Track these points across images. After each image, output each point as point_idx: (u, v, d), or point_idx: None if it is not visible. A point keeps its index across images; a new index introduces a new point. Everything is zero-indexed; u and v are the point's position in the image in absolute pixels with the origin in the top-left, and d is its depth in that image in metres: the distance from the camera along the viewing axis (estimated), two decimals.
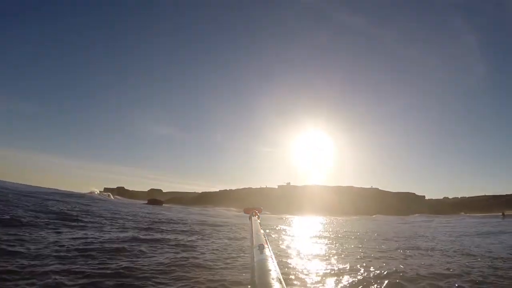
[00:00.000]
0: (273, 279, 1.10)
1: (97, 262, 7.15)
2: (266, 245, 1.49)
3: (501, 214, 63.05)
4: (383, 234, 20.76)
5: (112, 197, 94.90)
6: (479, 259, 9.87)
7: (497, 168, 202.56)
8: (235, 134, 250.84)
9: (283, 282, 1.10)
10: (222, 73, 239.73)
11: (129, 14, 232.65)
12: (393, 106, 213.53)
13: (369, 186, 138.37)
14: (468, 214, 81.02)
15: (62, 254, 7.62)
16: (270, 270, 1.18)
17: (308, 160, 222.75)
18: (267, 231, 18.76)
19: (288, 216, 65.00)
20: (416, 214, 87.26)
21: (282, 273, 1.27)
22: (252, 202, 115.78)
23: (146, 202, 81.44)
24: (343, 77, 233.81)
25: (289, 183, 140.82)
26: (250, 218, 2.35)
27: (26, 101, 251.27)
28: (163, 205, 75.66)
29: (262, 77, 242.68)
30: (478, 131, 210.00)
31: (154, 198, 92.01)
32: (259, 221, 2.15)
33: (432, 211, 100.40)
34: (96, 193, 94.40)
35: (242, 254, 9.34)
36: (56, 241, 9.21)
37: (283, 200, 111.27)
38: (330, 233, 20.63)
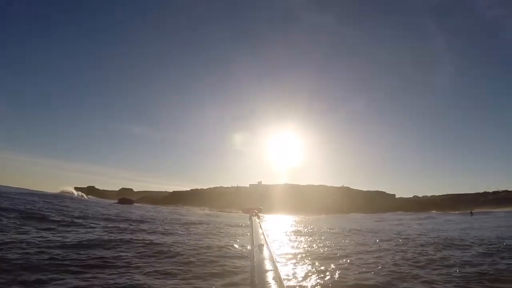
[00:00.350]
0: (273, 279, 1.09)
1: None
2: (266, 245, 1.49)
3: (469, 212, 65.08)
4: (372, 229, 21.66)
5: (86, 196, 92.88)
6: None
7: (464, 167, 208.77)
8: (205, 133, 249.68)
9: (283, 282, 1.08)
10: (193, 74, 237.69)
11: (101, 12, 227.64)
12: (362, 105, 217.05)
13: (340, 185, 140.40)
14: (438, 212, 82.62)
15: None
16: (270, 270, 1.17)
17: (279, 160, 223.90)
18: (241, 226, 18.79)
19: (261, 215, 64.99)
20: (389, 212, 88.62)
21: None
22: (224, 201, 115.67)
23: (117, 201, 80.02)
24: (313, 77, 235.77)
25: (261, 182, 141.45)
26: (250, 218, 2.35)
27: None
28: (134, 204, 74.37)
29: (232, 77, 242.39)
30: (447, 131, 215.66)
31: (125, 197, 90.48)
32: (259, 221, 2.10)
33: (403, 210, 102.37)
34: (70, 192, 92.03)
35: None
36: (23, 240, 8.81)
37: (255, 199, 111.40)
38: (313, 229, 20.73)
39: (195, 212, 53.52)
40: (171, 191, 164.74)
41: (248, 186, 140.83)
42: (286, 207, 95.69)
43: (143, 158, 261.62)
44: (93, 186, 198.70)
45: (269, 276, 1.12)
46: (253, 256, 1.37)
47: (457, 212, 78.13)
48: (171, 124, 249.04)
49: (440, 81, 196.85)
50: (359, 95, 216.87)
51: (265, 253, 1.39)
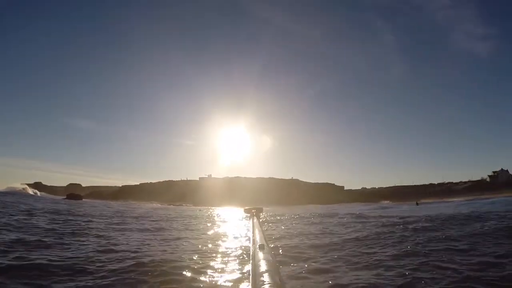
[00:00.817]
0: (273, 279, 1.10)
1: None
2: (266, 245, 1.51)
3: (415, 203, 67.77)
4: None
5: (38, 193, 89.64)
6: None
7: (410, 160, 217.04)
8: (155, 127, 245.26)
9: (283, 282, 1.10)
10: (140, 67, 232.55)
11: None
12: (311, 97, 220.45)
13: (289, 177, 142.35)
14: (390, 203, 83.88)
15: None
16: (270, 270, 1.16)
17: (229, 153, 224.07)
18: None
19: (212, 208, 64.94)
20: (338, 204, 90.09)
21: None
22: (174, 194, 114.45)
23: (65, 197, 77.70)
24: (262, 73, 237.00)
25: (211, 175, 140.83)
26: (250, 218, 2.12)
27: None
28: (83, 199, 72.24)
29: (181, 72, 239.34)
30: (394, 126, 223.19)
31: (73, 193, 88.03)
32: (259, 220, 1.96)
33: (352, 200, 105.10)
34: (21, 189, 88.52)
35: None
36: None
37: (205, 192, 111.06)
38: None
39: (141, 207, 52.45)
40: (121, 185, 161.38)
41: (198, 179, 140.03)
42: (236, 200, 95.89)
43: (91, 153, 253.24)
44: (40, 182, 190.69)
45: (270, 276, 1.13)
46: (254, 256, 1.40)
47: (407, 202, 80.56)
48: (119, 118, 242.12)
49: (390, 78, 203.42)
50: (309, 86, 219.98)
51: (266, 253, 1.42)
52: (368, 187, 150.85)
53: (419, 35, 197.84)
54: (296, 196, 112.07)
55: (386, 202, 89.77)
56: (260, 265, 1.23)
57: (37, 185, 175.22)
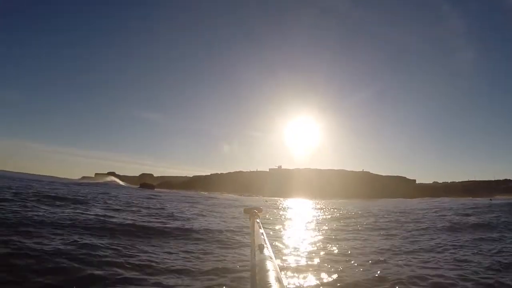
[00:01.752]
0: (273, 279, 1.10)
1: None
2: (266, 245, 1.49)
3: (489, 199, 63.75)
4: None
5: (122, 183, 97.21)
6: None
7: (486, 153, 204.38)
8: (225, 119, 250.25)
9: (283, 282, 1.10)
10: (211, 60, 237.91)
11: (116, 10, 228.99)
12: (381, 88, 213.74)
13: (360, 170, 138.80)
14: (458, 198, 79.08)
15: None
16: (270, 270, 1.18)
17: (299, 144, 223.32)
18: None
19: (280, 199, 64.84)
20: (417, 198, 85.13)
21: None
22: (243, 185, 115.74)
23: (139, 186, 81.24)
24: (330, 61, 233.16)
25: (281, 166, 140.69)
26: (250, 218, 2.33)
27: (11, 89, 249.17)
28: (155, 189, 75.03)
29: (251, 62, 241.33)
30: (466, 116, 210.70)
31: (146, 182, 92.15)
32: (259, 221, 2.13)
33: (422, 195, 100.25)
34: (113, 180, 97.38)
35: None
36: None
37: (275, 183, 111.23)
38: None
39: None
40: (191, 176, 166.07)
41: (268, 170, 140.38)
42: (305, 191, 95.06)
43: (162, 144, 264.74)
44: (114, 172, 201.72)
45: (270, 276, 1.12)
46: (254, 256, 1.38)
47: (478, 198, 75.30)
48: (188, 111, 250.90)
49: (461, 64, 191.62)
50: (379, 77, 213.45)
51: (265, 253, 1.38)
52: (440, 181, 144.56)
53: (489, 20, 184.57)
54: (366, 190, 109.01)
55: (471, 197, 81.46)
56: (260, 265, 1.23)
57: (110, 175, 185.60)
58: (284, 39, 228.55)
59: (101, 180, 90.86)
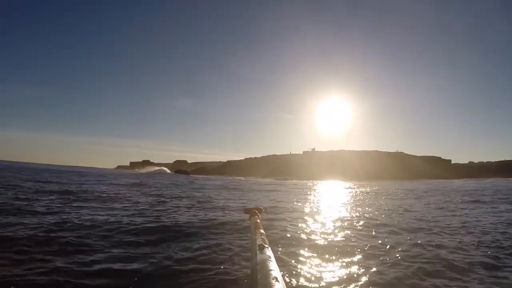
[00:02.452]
0: (273, 279, 1.11)
1: None
2: (266, 245, 1.50)
3: None
4: None
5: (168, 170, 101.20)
6: None
7: None
8: (258, 103, 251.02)
9: (283, 282, 1.11)
10: (242, 46, 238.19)
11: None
12: (414, 67, 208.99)
13: (394, 150, 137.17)
14: (508, 179, 74.22)
15: None
16: (270, 270, 1.19)
17: (332, 126, 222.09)
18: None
19: (316, 181, 65.64)
20: (464, 179, 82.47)
21: None
22: (278, 168, 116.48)
23: (174, 173, 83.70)
24: (362, 42, 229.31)
25: (314, 148, 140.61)
26: (250, 218, 2.35)
27: (48, 86, 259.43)
28: (190, 175, 76.78)
29: (283, 45, 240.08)
30: (502, 94, 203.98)
31: (180, 168, 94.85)
32: (259, 220, 2.16)
33: (458, 176, 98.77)
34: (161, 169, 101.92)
35: None
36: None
37: (309, 166, 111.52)
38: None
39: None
40: (225, 161, 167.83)
41: (301, 153, 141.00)
42: (340, 173, 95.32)
43: (193, 131, 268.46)
44: (148, 160, 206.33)
45: (270, 276, 1.13)
46: (254, 256, 1.39)
47: None
48: (220, 97, 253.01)
49: (497, 41, 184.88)
50: (410, 56, 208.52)
51: (266, 253, 1.39)
52: (475, 161, 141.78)
53: None
54: (401, 171, 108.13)
55: None
56: (260, 265, 1.26)
57: (145, 164, 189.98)
58: (315, 21, 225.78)
59: (151, 170, 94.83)
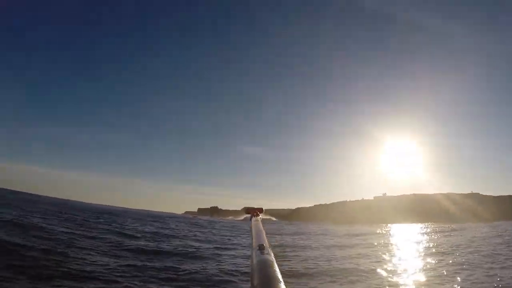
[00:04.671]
0: (273, 279, 1.12)
1: None
2: (266, 246, 1.50)
3: None
4: None
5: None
6: None
7: None
8: (319, 149, 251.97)
9: (283, 283, 1.11)
10: (306, 92, 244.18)
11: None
12: (486, 105, 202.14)
13: (468, 191, 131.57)
14: None
15: None
16: (270, 271, 1.20)
17: (403, 169, 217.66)
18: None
19: (390, 225, 65.41)
20: None
21: None
22: (349, 215, 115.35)
23: (242, 219, 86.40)
24: (420, 79, 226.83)
25: (385, 193, 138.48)
26: (251, 218, 2.36)
27: (117, 132, 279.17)
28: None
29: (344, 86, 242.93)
30: None
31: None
32: (259, 221, 2.18)
33: None
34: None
35: None
36: None
37: (381, 212, 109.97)
38: None
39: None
40: (294, 208, 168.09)
41: (372, 198, 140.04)
42: (414, 217, 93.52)
43: (263, 178, 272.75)
44: (216, 207, 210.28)
45: (270, 276, 1.14)
46: (254, 257, 1.38)
47: None
48: (283, 143, 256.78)
49: None
50: (483, 94, 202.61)
51: (266, 253, 1.40)
52: None
53: None
54: (478, 213, 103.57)
55: None
56: (260, 265, 1.26)
57: (213, 209, 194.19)
58: (372, 61, 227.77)
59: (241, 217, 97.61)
